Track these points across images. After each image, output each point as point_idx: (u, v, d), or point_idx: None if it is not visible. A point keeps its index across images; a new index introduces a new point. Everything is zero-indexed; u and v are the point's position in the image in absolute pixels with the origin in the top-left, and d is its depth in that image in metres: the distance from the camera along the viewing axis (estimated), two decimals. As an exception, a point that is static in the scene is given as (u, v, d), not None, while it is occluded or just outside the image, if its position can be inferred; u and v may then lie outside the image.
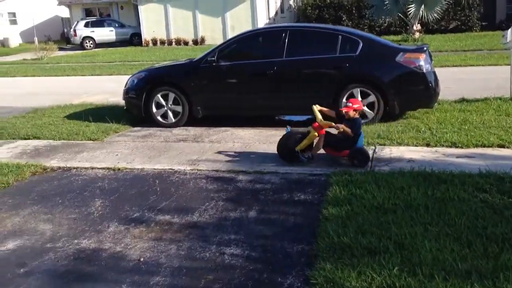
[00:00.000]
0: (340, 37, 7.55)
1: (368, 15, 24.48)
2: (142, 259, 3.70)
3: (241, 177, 5.41)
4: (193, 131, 7.79)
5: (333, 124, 5.53)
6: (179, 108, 8.01)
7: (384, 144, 6.28)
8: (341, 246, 3.56)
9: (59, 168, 6.07)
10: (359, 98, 7.22)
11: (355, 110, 5.61)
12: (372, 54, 7.42)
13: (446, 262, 3.28)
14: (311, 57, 7.62)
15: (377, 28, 24.45)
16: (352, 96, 7.26)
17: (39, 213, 4.72)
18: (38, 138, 7.60)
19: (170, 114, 8.08)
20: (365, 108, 7.28)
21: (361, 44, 7.40)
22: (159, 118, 8.13)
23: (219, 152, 6.41)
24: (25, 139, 7.59)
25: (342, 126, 5.48)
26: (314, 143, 5.79)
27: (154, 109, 8.09)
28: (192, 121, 8.05)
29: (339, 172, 5.22)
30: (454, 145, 6.05)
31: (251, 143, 6.87)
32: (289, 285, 3.23)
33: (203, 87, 7.91)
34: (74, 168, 6.05)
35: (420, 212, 4.06)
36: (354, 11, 25.97)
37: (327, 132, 5.71)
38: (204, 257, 3.70)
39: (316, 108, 5.80)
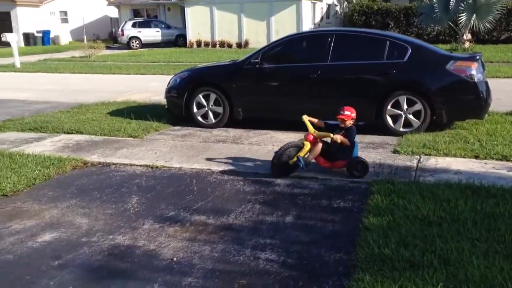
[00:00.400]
0: (388, 42, 7.33)
1: (416, 22, 23.97)
2: (175, 259, 3.64)
3: (279, 181, 5.29)
4: (233, 132, 7.73)
5: (331, 135, 5.27)
6: (219, 109, 7.98)
7: (430, 154, 6.04)
8: (381, 258, 3.39)
9: (99, 163, 6.12)
10: (405, 106, 7.00)
11: (352, 119, 5.38)
12: (421, 61, 7.17)
13: (495, 281, 3.06)
14: (357, 63, 7.44)
15: (425, 36, 23.86)
16: (397, 104, 7.04)
17: (77, 206, 4.74)
18: (81, 133, 7.71)
19: (210, 114, 8.05)
20: (411, 117, 7.04)
21: (409, 51, 7.16)
22: (199, 118, 8.11)
23: (258, 155, 6.31)
24: (68, 133, 7.72)
25: (339, 137, 5.23)
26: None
27: (195, 109, 8.08)
28: (232, 122, 7.99)
29: (381, 180, 5.03)
30: (505, 158, 5.75)
31: (291, 147, 6.74)
32: (325, 295, 3.09)
33: (245, 88, 7.85)
34: (113, 164, 6.08)
35: (468, 227, 3.83)
36: (402, 18, 25.49)
37: (322, 142, 5.39)
38: (238, 260, 3.60)
39: (306, 118, 5.49)
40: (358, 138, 7.14)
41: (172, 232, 4.11)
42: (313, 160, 5.38)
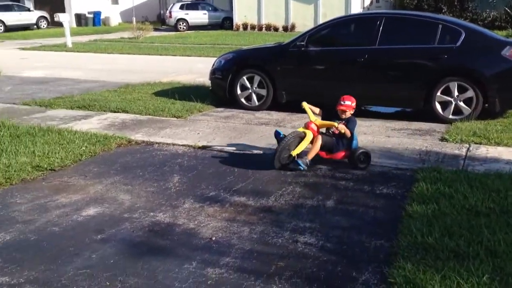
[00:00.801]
0: (440, 26, 7.05)
1: (471, 7, 23.04)
2: (214, 238, 3.65)
3: (321, 166, 5.21)
4: (275, 115, 7.68)
5: (335, 124, 4.97)
6: (263, 92, 7.92)
7: (480, 143, 5.80)
8: (424, 246, 3.28)
9: (143, 142, 6.21)
10: (456, 93, 6.73)
11: (353, 109, 5.14)
12: (475, 46, 6.87)
13: (545, 277, 2.90)
14: (406, 47, 7.21)
15: (479, 22, 22.90)
16: (447, 90, 6.78)
17: (120, 183, 4.83)
18: (126, 112, 7.85)
19: (254, 97, 8.01)
20: (461, 104, 6.78)
21: (463, 35, 6.86)
22: (243, 100, 8.09)
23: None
24: (115, 112, 7.87)
25: (343, 127, 4.96)
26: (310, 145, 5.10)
27: (239, 91, 8.06)
28: (275, 105, 7.93)
29: (427, 168, 4.87)
30: (562, 149, 5.45)
31: (334, 131, 6.64)
32: (364, 281, 3.02)
33: (290, 71, 7.75)
34: (156, 143, 6.16)
35: (518, 219, 3.66)
36: (456, 3, 24.54)
37: (321, 133, 5.13)
38: (277, 242, 3.57)
39: (307, 106, 5.26)
40: (405, 124, 6.99)
41: (212, 212, 4.12)
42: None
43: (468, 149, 5.61)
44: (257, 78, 7.90)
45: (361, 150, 5.10)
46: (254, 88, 7.97)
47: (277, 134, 5.13)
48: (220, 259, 3.34)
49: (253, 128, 6.84)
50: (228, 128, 6.86)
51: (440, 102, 6.90)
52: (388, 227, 3.76)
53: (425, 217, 3.73)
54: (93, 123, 7.12)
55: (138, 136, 6.44)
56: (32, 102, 8.64)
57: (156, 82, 10.70)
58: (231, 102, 8.17)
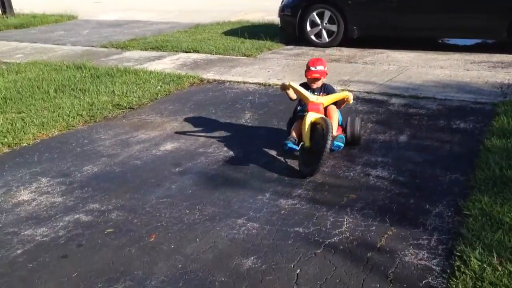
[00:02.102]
0: None
1: None
2: (284, 172, 3.73)
3: (394, 100, 5.10)
4: (346, 51, 7.50)
5: (346, 94, 3.86)
6: (334, 27, 7.72)
7: None
8: (503, 180, 3.19)
9: (214, 80, 6.32)
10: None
11: (326, 74, 4.03)
12: None
13: None
14: (489, -28, 6.68)
15: None
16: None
17: (195, 120, 5.00)
18: (197, 51, 7.96)
19: (324, 33, 7.83)
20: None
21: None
22: (312, 37, 7.94)
23: (373, 74, 6.09)
24: (186, 52, 8.01)
25: (350, 94, 3.87)
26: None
27: (308, 28, 7.90)
28: (346, 41, 7.72)
29: (509, 101, 4.64)
30: None
31: (408, 66, 6.41)
32: (438, 214, 3.01)
33: (361, 5, 7.46)
34: (227, 81, 6.25)
35: None
36: None
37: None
38: (348, 176, 3.61)
39: (295, 84, 3.96)
40: (486, 57, 6.62)
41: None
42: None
43: (556, 81, 5.25)
44: (327, 14, 7.68)
45: (352, 118, 4.09)
46: (325, 24, 7.77)
47: (290, 148, 3.75)
48: (293, 191, 3.43)
49: (324, 65, 6.73)
50: (298, 65, 6.81)
51: (525, 32, 6.44)
52: (464, 161, 3.67)
53: (504, 151, 3.60)
54: (166, 63, 7.30)
55: (210, 75, 6.55)
56: (109, 44, 8.96)
57: (225, 22, 10.70)
58: (301, 39, 8.05)
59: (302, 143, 3.75)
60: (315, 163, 3.54)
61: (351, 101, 3.88)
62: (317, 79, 3.96)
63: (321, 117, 3.70)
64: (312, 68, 3.94)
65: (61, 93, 5.89)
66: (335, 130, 3.76)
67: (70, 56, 8.16)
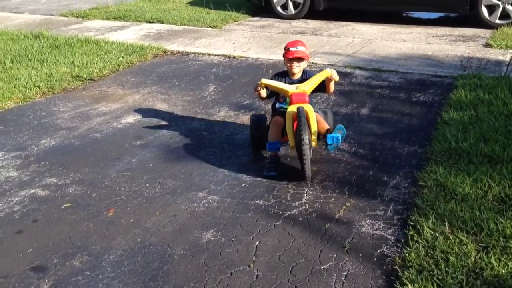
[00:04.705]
0: None
1: None
2: (247, 144, 3.73)
3: (357, 73, 5.13)
4: (312, 24, 7.47)
5: (329, 72, 3.30)
6: (300, -1, 7.66)
7: (527, 49, 5.53)
8: (458, 152, 3.27)
9: (178, 52, 6.22)
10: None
11: (308, 57, 3.54)
12: None
13: None
14: None
15: None
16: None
17: (157, 92, 4.92)
18: (162, 22, 7.79)
19: (290, 5, 7.77)
20: (509, 7, 6.38)
21: None
22: (279, 8, 7.86)
23: (337, 47, 6.10)
24: (150, 22, 7.83)
25: (334, 71, 3.33)
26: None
27: (275, -1, 7.82)
28: (312, 13, 7.68)
29: (468, 75, 4.73)
30: None
31: (372, 39, 6.44)
32: (395, 185, 3.07)
33: (327, -24, 7.41)
34: (192, 53, 6.16)
35: (559, 125, 3.56)
36: None
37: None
38: (309, 148, 3.62)
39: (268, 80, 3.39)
40: (448, 30, 6.71)
41: (246, 119, 4.17)
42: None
43: (513, 55, 5.37)
44: (293, -16, 7.61)
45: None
46: (293, -5, 7.70)
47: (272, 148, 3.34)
48: (255, 164, 3.44)
49: (289, 37, 6.69)
50: (263, 37, 6.75)
51: (486, 6, 6.52)
52: (422, 134, 3.74)
53: (460, 124, 3.68)
54: (129, 34, 7.13)
55: (174, 46, 6.44)
56: (69, 13, 8.67)
57: (190, -9, 10.47)
58: (267, 10, 7.96)
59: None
60: (301, 163, 3.08)
61: (337, 78, 3.30)
62: (300, 60, 3.41)
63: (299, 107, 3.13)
64: (292, 49, 3.39)
65: (17, 63, 5.69)
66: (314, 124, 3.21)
67: (28, 25, 7.87)
